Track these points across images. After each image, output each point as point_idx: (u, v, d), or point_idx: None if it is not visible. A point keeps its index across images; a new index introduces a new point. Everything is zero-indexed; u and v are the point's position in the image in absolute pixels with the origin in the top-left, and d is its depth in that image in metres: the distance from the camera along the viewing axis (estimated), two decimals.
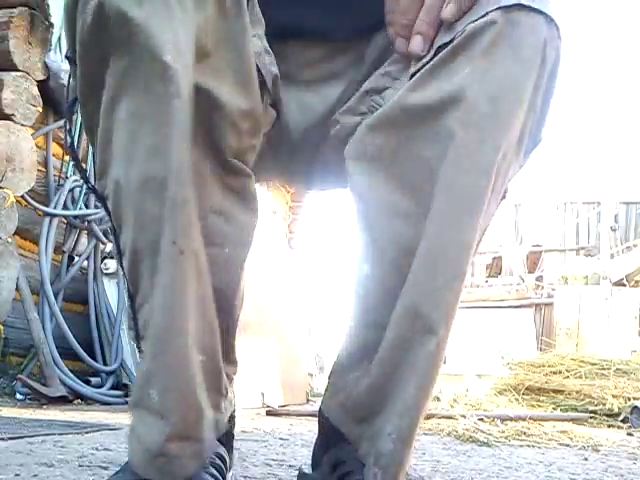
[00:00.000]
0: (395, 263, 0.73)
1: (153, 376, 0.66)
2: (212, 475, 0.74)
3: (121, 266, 0.73)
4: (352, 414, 0.80)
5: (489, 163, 0.66)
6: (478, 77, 0.65)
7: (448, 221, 0.68)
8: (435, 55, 0.70)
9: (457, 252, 0.68)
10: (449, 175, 0.67)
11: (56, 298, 2.99)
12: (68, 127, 0.83)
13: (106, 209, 0.72)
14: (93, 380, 3.04)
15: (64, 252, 3.20)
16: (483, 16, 0.66)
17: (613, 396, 3.36)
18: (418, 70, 0.72)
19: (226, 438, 0.86)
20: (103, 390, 2.97)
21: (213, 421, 0.74)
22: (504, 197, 0.76)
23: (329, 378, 0.87)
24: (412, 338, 0.70)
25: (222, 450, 0.82)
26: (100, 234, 3.31)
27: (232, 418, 0.89)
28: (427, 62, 0.71)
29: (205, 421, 0.70)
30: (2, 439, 1.38)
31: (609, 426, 3.13)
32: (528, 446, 2.06)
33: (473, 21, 0.67)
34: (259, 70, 0.76)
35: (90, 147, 0.75)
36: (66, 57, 0.73)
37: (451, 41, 0.68)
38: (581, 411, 3.32)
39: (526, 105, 0.67)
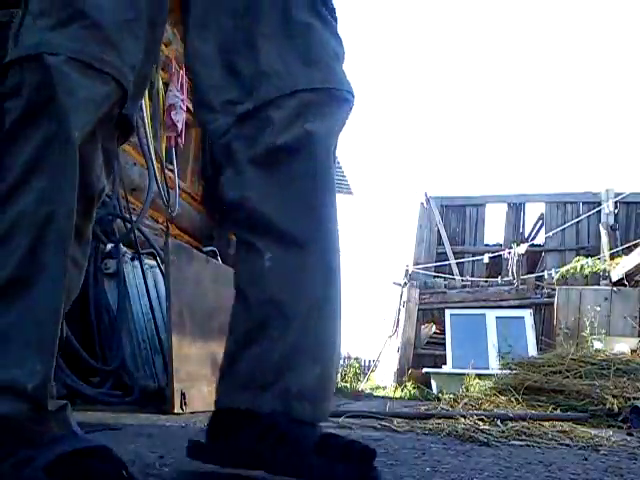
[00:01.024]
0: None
1: None
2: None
3: None
4: (258, 385, 0.97)
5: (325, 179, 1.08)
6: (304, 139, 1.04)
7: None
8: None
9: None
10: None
11: None
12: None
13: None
14: (93, 380, 3.04)
15: None
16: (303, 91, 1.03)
17: (613, 396, 3.35)
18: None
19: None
20: (103, 390, 2.97)
21: None
22: None
23: (221, 374, 1.05)
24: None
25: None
26: (100, 234, 3.31)
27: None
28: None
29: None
30: None
31: (609, 426, 3.12)
32: (528, 446, 2.06)
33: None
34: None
35: None
36: None
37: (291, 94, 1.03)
38: (581, 411, 3.32)
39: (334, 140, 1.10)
